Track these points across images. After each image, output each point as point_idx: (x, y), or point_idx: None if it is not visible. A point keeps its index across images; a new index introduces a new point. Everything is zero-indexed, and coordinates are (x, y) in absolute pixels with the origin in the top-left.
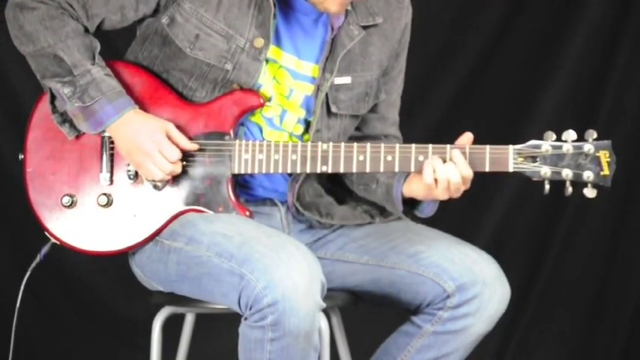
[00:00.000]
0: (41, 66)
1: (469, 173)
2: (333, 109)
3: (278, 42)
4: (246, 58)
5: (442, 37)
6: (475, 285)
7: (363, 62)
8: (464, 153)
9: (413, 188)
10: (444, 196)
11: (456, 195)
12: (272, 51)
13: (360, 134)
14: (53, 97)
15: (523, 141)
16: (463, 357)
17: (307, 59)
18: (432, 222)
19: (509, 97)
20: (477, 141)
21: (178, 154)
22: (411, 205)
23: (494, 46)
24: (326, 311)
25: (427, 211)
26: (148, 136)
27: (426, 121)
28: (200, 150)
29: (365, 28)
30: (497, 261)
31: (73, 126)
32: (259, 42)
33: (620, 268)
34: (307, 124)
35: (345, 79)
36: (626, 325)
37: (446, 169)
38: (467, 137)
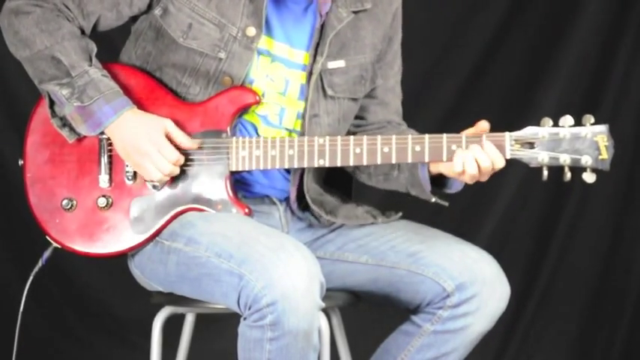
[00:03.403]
0: (38, 70)
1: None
2: (330, 92)
3: (269, 31)
4: (238, 47)
5: (443, 36)
6: (474, 284)
7: (355, 46)
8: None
9: (441, 169)
10: (471, 181)
11: (483, 179)
12: (264, 41)
13: (365, 122)
14: (52, 102)
15: None
16: (463, 356)
17: (299, 47)
18: (432, 221)
19: (511, 95)
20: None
21: (178, 155)
22: (438, 185)
23: (495, 44)
24: (326, 311)
25: (455, 186)
26: (146, 137)
27: (428, 119)
28: (198, 149)
29: (354, 12)
30: (498, 260)
31: (72, 129)
32: (251, 31)
33: (620, 267)
34: None
35: (339, 63)
36: (627, 324)
37: (475, 157)
38: (482, 126)
